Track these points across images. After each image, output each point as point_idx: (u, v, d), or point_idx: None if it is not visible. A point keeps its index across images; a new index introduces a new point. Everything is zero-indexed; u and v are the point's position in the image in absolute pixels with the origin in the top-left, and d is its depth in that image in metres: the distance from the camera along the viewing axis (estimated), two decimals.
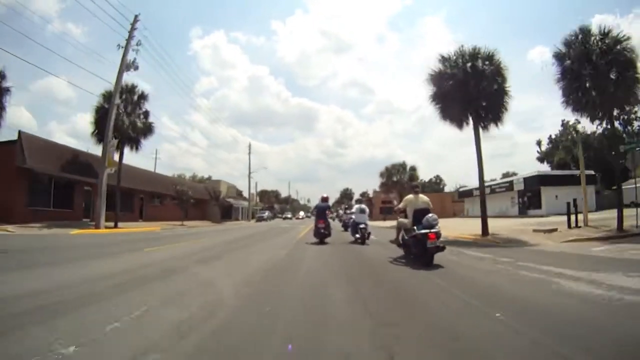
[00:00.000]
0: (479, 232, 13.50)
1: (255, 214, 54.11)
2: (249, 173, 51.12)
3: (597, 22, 70.41)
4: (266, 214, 51.75)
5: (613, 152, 13.18)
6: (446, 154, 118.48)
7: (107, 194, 18.96)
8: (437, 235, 5.88)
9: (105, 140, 19.72)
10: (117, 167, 20.92)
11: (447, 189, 56.36)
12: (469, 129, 13.96)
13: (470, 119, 13.87)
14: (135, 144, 22.10)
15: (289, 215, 64.32)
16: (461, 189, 48.35)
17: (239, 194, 54.38)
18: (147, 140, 22.42)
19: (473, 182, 38.86)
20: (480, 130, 13.92)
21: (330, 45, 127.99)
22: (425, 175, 64.51)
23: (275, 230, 21.18)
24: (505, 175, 60.09)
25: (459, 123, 14.11)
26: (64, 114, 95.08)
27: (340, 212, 33.38)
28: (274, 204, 74.84)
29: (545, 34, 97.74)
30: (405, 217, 6.89)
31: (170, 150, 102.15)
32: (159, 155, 49.59)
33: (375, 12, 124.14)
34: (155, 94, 79.28)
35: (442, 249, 6.06)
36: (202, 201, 40.53)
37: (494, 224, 15.71)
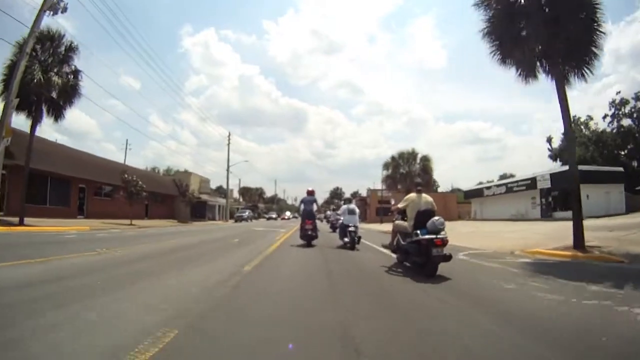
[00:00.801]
0: (552, 241, 9.33)
1: (234, 213, 48.17)
2: (228, 167, 45.28)
3: None
4: (246, 213, 45.94)
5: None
6: (438, 155, 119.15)
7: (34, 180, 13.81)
8: (444, 241, 5.08)
9: (7, 100, 13.94)
10: (26, 139, 15.06)
11: (440, 191, 51.48)
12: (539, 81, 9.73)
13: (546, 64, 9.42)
14: (55, 109, 16.15)
15: (274, 215, 58.87)
16: (468, 189, 43.31)
17: (217, 191, 48.34)
18: (73, 107, 16.56)
19: (467, 184, 34.73)
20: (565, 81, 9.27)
21: (321, 46, 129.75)
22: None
23: (249, 235, 16.48)
24: (503, 176, 56.15)
25: (531, 68, 9.71)
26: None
27: (329, 213, 31.92)
28: (257, 202, 69.14)
29: None
30: (403, 219, 6.06)
31: (158, 149, 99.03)
32: (130, 146, 43.61)
33: (367, 12, 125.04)
34: (144, 91, 77.08)
35: (448, 258, 5.09)
36: (169, 197, 34.64)
37: (532, 230, 13.71)
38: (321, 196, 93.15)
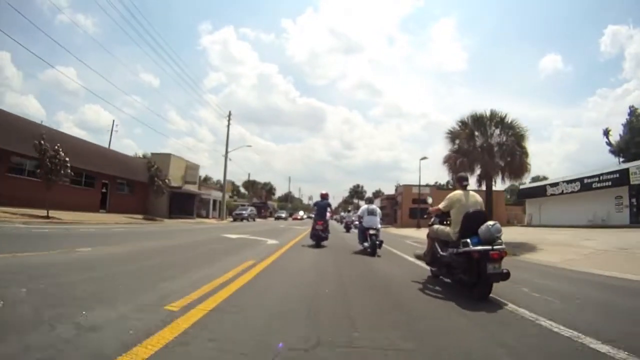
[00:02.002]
0: None
1: (234, 210, 40.10)
2: (226, 151, 37.17)
3: (609, 32, 74.73)
4: (247, 210, 37.99)
5: None
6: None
7: None
8: (502, 254, 3.92)
9: None
10: None
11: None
12: None
13: None
14: None
15: (283, 215, 50.80)
16: (523, 187, 33.90)
17: (212, 183, 40.41)
18: None
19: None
20: None
21: (340, 46, 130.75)
22: (433, 181, 54.36)
23: (228, 244, 10.27)
24: (535, 179, 45.59)
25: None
26: (73, 106, 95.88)
27: (343, 214, 30.53)
28: (266, 199, 61.12)
29: (557, 42, 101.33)
30: (443, 223, 4.96)
31: (176, 146, 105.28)
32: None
33: (386, 13, 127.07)
34: (162, 88, 78.95)
35: (506, 276, 3.92)
36: (141, 185, 26.70)
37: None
38: (339, 195, 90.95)
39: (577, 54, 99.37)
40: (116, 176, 25.34)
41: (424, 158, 30.97)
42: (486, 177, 13.31)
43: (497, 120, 13.65)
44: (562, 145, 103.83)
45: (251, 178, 51.55)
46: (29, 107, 60.51)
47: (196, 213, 37.68)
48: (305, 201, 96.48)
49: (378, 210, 9.46)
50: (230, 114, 38.76)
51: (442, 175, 74.14)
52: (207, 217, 38.09)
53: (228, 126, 38.29)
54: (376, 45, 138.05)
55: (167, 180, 24.90)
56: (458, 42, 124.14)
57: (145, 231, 14.15)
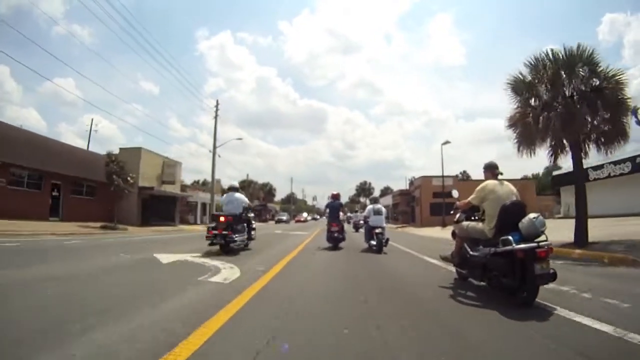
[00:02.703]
0: None
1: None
2: (214, 146, 32.56)
3: (607, 21, 74.24)
4: None
5: None
6: (458, 155, 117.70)
7: None
8: (549, 252, 3.48)
9: None
10: None
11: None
12: None
13: None
14: None
15: (284, 217, 46.48)
16: (557, 173, 29.87)
17: (196, 184, 35.95)
18: None
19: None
20: None
21: (338, 46, 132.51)
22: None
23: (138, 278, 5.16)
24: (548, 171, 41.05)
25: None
26: (72, 116, 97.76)
27: (350, 214, 30.51)
28: (265, 201, 56.63)
29: (556, 32, 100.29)
30: (470, 218, 4.51)
31: (178, 152, 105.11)
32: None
33: (383, 11, 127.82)
34: (162, 96, 79.16)
35: (554, 277, 3.47)
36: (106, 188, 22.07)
37: None
38: (344, 194, 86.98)
39: (575, 43, 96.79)
40: (72, 176, 20.80)
41: (447, 142, 26.24)
42: (574, 146, 8.62)
43: (586, 58, 8.85)
44: None
45: (250, 179, 47.43)
46: (30, 119, 63.86)
47: (180, 218, 33.19)
48: (310, 202, 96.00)
49: (383, 210, 9.99)
50: (217, 104, 34.22)
51: (452, 169, 68.96)
52: (195, 222, 33.58)
53: (215, 117, 33.71)
54: (374, 43, 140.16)
55: (129, 179, 20.25)
56: (456, 37, 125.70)
57: (57, 247, 9.63)
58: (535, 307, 3.36)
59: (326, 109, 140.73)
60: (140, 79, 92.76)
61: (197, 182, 57.20)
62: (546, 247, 3.44)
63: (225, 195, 9.48)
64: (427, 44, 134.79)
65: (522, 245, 3.44)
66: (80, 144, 73.53)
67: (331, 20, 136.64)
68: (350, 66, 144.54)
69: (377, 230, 9.11)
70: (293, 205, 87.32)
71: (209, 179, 33.39)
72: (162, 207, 29.10)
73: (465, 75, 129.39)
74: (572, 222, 9.63)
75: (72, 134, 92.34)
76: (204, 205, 35.30)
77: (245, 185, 45.46)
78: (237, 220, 8.25)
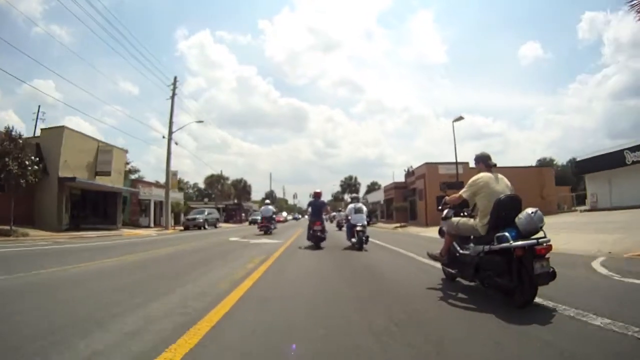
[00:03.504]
0: None
1: (186, 213, 29.71)
2: (170, 131, 26.74)
3: (587, 18, 79.99)
4: (204, 215, 27.61)
5: None
6: (438, 152, 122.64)
7: None
8: (548, 249, 3.26)
9: None
10: None
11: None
12: None
13: None
14: None
15: (259, 218, 40.26)
16: (582, 158, 25.82)
17: (158, 184, 30.10)
18: None
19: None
20: None
21: (318, 43, 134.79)
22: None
23: None
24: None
25: None
26: (53, 117, 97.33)
27: (334, 214, 31.91)
28: (239, 199, 50.60)
29: (537, 29, 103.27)
30: (460, 214, 4.30)
31: (158, 153, 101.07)
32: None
33: (364, 7, 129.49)
34: (142, 96, 77.18)
35: (554, 276, 3.29)
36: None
37: None
38: (327, 192, 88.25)
39: (556, 41, 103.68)
40: None
41: (460, 119, 21.40)
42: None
43: None
44: (546, 132, 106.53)
45: (221, 174, 41.01)
46: (9, 121, 62.36)
47: (131, 221, 27.15)
48: (290, 201, 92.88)
49: (364, 208, 10.24)
50: (175, 81, 28.43)
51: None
52: (148, 225, 27.57)
53: (172, 97, 27.98)
54: (355, 41, 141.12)
55: (31, 164, 14.41)
56: (438, 33, 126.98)
57: None
58: (533, 307, 3.20)
59: (307, 108, 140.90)
60: (120, 79, 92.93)
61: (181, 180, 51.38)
62: (546, 244, 3.21)
63: (263, 207, 18.59)
64: (408, 41, 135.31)
65: (521, 242, 3.24)
66: None
67: (311, 18, 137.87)
68: (331, 64, 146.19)
69: (358, 228, 9.38)
70: (273, 204, 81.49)
71: (190, 180, 27.45)
72: (99, 206, 23.12)
73: (447, 72, 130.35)
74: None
75: None
76: (159, 204, 29.25)
77: (214, 181, 39.42)
78: (269, 219, 17.09)
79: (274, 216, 17.40)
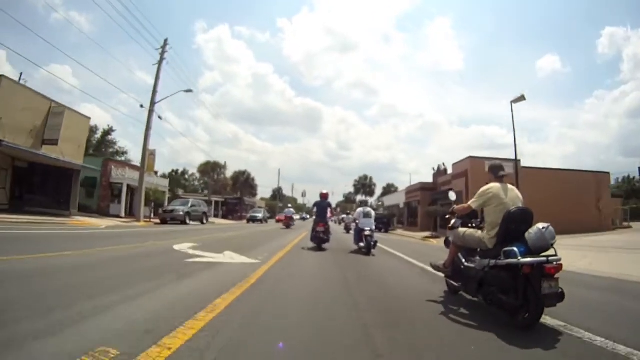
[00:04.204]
0: None
1: (165, 204, 25.11)
2: (152, 102, 22.21)
3: (607, 34, 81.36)
4: (186, 206, 23.01)
5: None
6: (451, 160, 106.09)
7: None
8: (558, 269, 3.12)
9: None
10: None
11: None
12: None
13: None
14: None
15: (259, 215, 36.27)
16: None
17: (131, 166, 25.66)
18: None
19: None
20: None
21: (335, 45, 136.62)
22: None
23: None
24: None
25: None
26: (69, 103, 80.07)
27: (343, 216, 32.80)
28: (240, 194, 45.98)
29: (556, 42, 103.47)
30: (468, 225, 4.16)
31: (173, 146, 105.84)
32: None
33: (382, 11, 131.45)
34: (159, 87, 63.82)
35: (562, 297, 3.15)
36: None
37: None
38: (339, 194, 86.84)
39: (575, 55, 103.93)
40: None
41: (521, 99, 16.31)
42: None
43: None
44: (559, 146, 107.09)
45: (216, 161, 36.37)
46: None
47: (99, 207, 22.67)
48: (300, 200, 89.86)
49: (372, 213, 10.36)
50: (165, 44, 23.89)
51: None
52: (118, 214, 22.99)
53: (160, 62, 23.38)
54: (372, 44, 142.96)
55: None
56: (454, 41, 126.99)
57: None
58: (539, 329, 3.07)
59: (321, 109, 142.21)
60: (136, 68, 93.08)
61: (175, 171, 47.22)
62: (556, 262, 3.09)
63: (286, 209, 28.22)
64: (424, 47, 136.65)
65: (529, 259, 3.12)
66: None
67: (330, 19, 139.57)
68: (347, 65, 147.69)
69: (366, 233, 9.46)
70: (280, 202, 79.19)
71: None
72: (49, 186, 18.56)
73: (462, 80, 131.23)
74: None
75: None
76: (132, 189, 24.62)
77: (209, 170, 34.53)
78: (290, 218, 23.84)
79: (293, 216, 21.83)
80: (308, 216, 55.40)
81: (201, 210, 24.40)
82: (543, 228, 3.19)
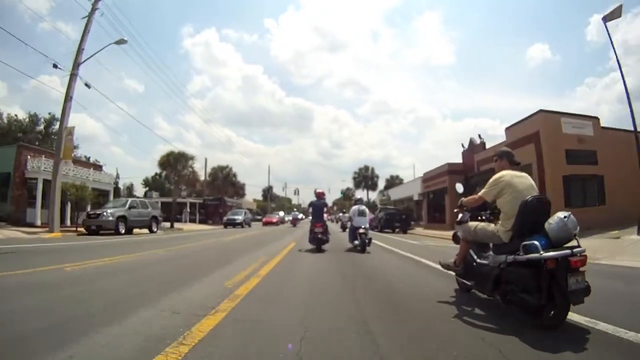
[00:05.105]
0: None
1: (84, 202, 18.34)
2: (75, 61, 15.78)
3: (595, 21, 79.03)
4: (122, 209, 16.27)
5: None
6: (444, 154, 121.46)
7: None
8: (584, 262, 2.86)
9: None
10: None
11: None
12: None
13: None
14: None
15: (238, 218, 29.99)
16: None
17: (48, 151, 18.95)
18: None
19: None
20: None
21: (324, 43, 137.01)
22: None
23: None
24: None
25: None
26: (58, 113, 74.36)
27: (340, 215, 33.45)
28: (220, 193, 39.57)
29: (545, 31, 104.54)
30: (477, 218, 3.86)
31: (164, 151, 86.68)
32: None
33: (370, 7, 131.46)
34: (147, 94, 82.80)
35: (587, 291, 2.88)
36: None
37: None
38: (334, 193, 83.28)
39: (564, 43, 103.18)
40: None
41: (615, 14, 10.69)
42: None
43: None
44: None
45: (182, 151, 29.10)
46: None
47: (10, 213, 16.21)
48: (294, 200, 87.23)
49: (367, 211, 10.50)
50: None
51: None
52: (33, 223, 16.45)
53: (91, 14, 16.91)
54: (361, 41, 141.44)
55: None
56: (444, 34, 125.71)
57: None
58: (565, 327, 2.85)
59: (313, 108, 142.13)
60: (125, 77, 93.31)
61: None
62: (580, 254, 2.81)
63: (292, 212, 44.58)
64: (414, 42, 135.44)
65: (553, 253, 2.82)
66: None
67: (317, 17, 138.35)
68: (337, 64, 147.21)
69: (361, 231, 9.45)
70: (273, 202, 74.18)
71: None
72: None
73: (454, 74, 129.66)
74: None
75: None
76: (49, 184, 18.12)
77: (172, 162, 27.22)
78: (297, 220, 34.17)
79: (299, 218, 23.89)
80: (303, 216, 50.67)
81: (148, 214, 17.88)
82: (565, 217, 2.95)
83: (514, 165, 3.59)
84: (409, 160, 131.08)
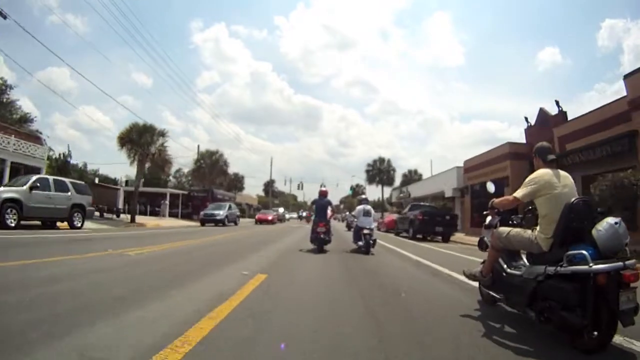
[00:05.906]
0: None
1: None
2: None
3: (607, 26, 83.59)
4: (6, 188, 11.34)
5: None
6: (452, 156, 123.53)
7: None
8: (638, 275, 2.52)
9: None
10: None
11: None
12: None
13: None
14: None
15: (219, 213, 24.06)
16: None
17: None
18: None
19: None
20: None
21: (333, 42, 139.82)
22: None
23: None
24: None
25: None
26: (66, 106, 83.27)
27: (347, 213, 35.60)
28: (209, 183, 34.30)
29: (555, 34, 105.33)
30: (509, 222, 3.58)
31: (172, 147, 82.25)
32: None
33: (380, 7, 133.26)
34: (156, 89, 68.62)
35: (636, 310, 2.53)
36: None
37: None
38: (340, 193, 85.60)
39: (575, 48, 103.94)
40: None
41: None
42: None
43: None
44: None
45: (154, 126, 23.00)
46: (24, 108, 49.71)
47: None
48: (299, 196, 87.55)
49: (372, 211, 10.33)
50: None
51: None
52: None
53: None
54: (371, 40, 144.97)
55: None
56: (454, 36, 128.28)
57: None
58: (611, 351, 2.51)
59: (321, 106, 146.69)
60: (133, 70, 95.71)
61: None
62: (633, 267, 2.47)
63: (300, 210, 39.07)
64: (424, 43, 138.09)
65: (604, 265, 2.44)
66: (73, 134, 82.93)
67: (327, 15, 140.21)
68: (346, 63, 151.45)
69: (366, 231, 9.39)
70: (276, 198, 71.85)
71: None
72: None
73: (462, 75, 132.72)
74: None
75: (65, 125, 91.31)
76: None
77: (135, 137, 20.72)
78: (309, 215, 13.30)
79: (304, 215, 17.77)
80: (305, 213, 44.95)
81: (66, 201, 12.31)
82: (615, 223, 2.59)
83: (549, 163, 3.13)
84: (416, 161, 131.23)
